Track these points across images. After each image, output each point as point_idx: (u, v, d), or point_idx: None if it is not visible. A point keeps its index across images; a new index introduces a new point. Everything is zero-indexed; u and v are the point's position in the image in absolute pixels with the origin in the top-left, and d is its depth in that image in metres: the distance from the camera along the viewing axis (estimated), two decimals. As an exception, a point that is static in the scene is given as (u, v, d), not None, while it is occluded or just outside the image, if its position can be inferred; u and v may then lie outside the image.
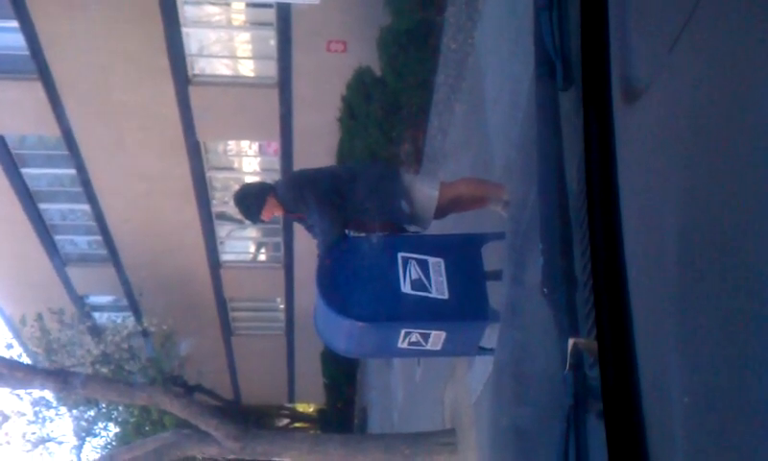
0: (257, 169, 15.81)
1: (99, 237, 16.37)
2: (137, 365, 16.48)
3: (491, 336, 4.59)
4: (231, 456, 8.83)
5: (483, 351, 4.85)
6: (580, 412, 1.72)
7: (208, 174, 15.02)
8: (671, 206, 1.47)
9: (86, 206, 15.50)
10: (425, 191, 5.07)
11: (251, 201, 5.17)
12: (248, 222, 5.62)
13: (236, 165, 15.86)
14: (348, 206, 4.90)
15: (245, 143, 15.31)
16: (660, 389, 1.47)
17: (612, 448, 1.52)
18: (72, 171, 14.64)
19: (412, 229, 5.26)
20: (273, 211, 5.13)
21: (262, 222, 5.41)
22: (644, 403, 1.49)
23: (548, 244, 2.07)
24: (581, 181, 1.87)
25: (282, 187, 5.16)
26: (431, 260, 4.67)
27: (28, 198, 15.36)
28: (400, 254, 4.67)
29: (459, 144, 8.57)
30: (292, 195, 5.05)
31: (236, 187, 16.26)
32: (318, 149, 12.62)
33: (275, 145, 14.40)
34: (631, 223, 1.65)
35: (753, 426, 1.12)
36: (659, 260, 1.52)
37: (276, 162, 14.69)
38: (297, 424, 27.56)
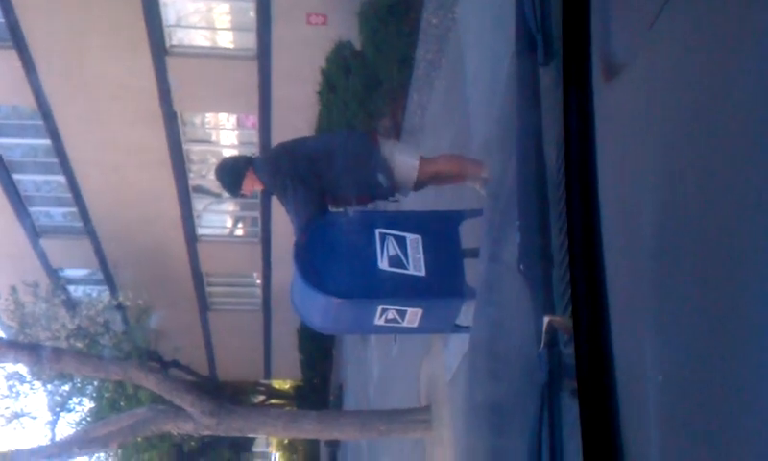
0: (235, 142, 15.71)
1: (74, 209, 16.21)
2: (112, 339, 16.41)
3: (467, 314, 4.60)
4: (207, 432, 8.82)
5: (459, 328, 4.86)
6: (554, 389, 1.72)
7: (185, 146, 14.89)
8: (649, 185, 1.47)
9: (61, 178, 15.33)
10: (405, 160, 5.03)
11: (230, 174, 5.12)
12: (227, 195, 5.59)
13: (214, 138, 15.76)
14: (326, 183, 4.87)
15: (223, 116, 15.19)
16: (634, 367, 1.48)
17: (586, 425, 1.52)
18: (47, 141, 14.46)
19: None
20: (253, 186, 5.10)
21: (243, 196, 5.40)
22: (618, 382, 1.50)
23: (526, 221, 2.06)
24: (559, 158, 1.86)
25: (260, 164, 5.12)
26: (409, 237, 4.66)
27: (2, 168, 15.17)
28: (378, 231, 4.66)
29: (438, 120, 8.55)
30: (269, 174, 5.01)
31: (214, 160, 16.12)
32: (297, 122, 12.53)
33: (253, 118, 14.31)
34: (609, 201, 1.64)
35: (725, 406, 1.12)
36: (636, 239, 1.52)
37: (254, 135, 14.60)
38: (273, 401, 27.59)
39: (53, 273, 17.79)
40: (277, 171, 4.95)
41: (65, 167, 14.93)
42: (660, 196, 1.40)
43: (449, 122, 7.92)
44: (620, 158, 1.66)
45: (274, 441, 31.89)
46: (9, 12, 11.87)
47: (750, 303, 1.08)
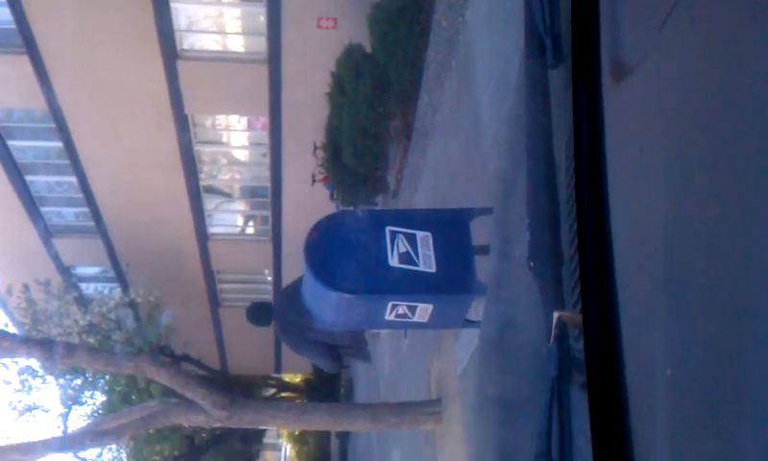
0: (246, 143, 15.77)
1: (86, 209, 16.30)
2: (124, 335, 16.47)
3: (477, 309, 4.63)
4: (218, 425, 8.86)
5: (469, 323, 4.89)
6: (564, 384, 1.74)
7: (196, 147, 14.96)
8: (658, 183, 1.49)
9: (73, 178, 15.42)
10: None
11: (261, 320, 6.22)
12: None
13: (225, 139, 15.81)
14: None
15: (233, 118, 15.25)
16: (643, 361, 1.50)
17: (595, 419, 1.55)
18: (59, 144, 14.55)
19: None
20: None
21: None
22: (627, 375, 1.52)
23: (535, 219, 2.08)
24: (569, 158, 1.89)
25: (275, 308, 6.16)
26: (419, 234, 4.69)
27: (15, 170, 15.27)
28: (388, 228, 4.69)
29: (449, 120, 8.57)
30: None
31: (225, 161, 16.18)
32: (307, 124, 12.59)
33: (263, 120, 14.35)
34: (618, 198, 1.66)
35: (733, 401, 1.14)
36: (644, 236, 1.54)
37: (264, 136, 14.65)
38: (283, 394, 27.64)
39: (65, 271, 17.89)
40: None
41: (77, 168, 15.02)
42: (671, 194, 1.42)
43: (460, 122, 7.95)
44: (630, 158, 1.68)
45: (284, 433, 31.94)
46: (21, 19, 11.96)
47: (760, 300, 1.10)
